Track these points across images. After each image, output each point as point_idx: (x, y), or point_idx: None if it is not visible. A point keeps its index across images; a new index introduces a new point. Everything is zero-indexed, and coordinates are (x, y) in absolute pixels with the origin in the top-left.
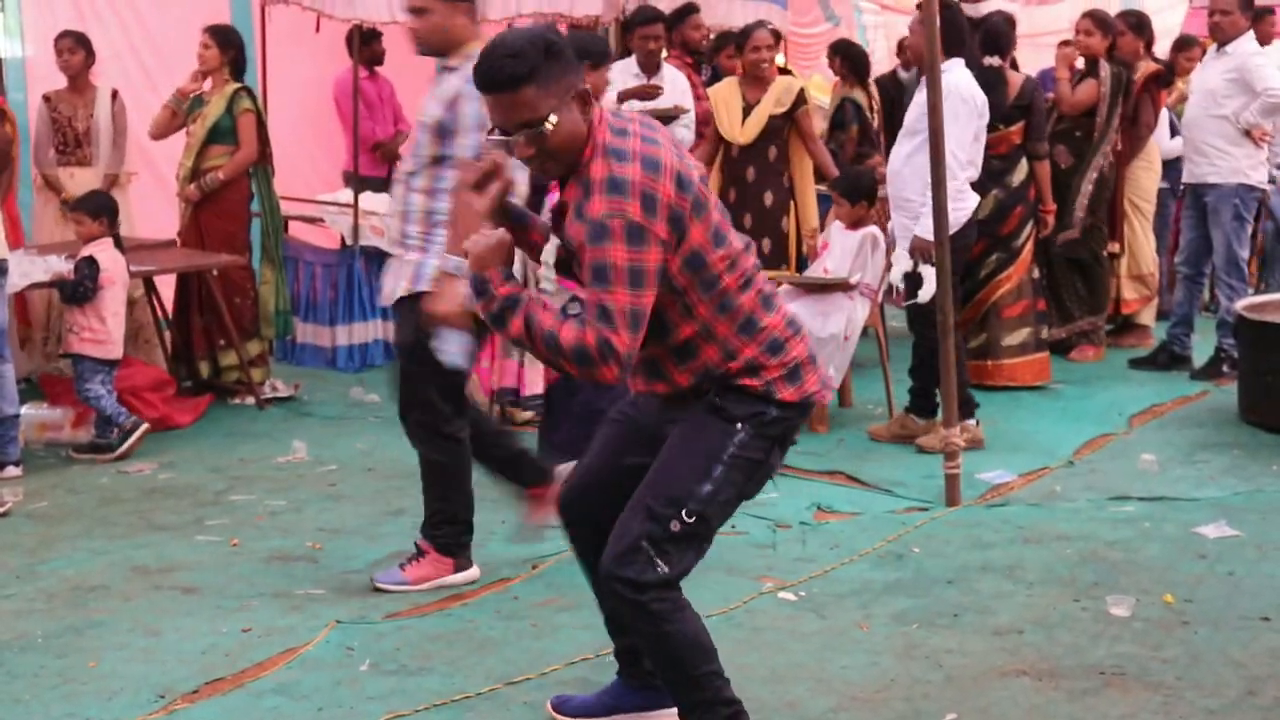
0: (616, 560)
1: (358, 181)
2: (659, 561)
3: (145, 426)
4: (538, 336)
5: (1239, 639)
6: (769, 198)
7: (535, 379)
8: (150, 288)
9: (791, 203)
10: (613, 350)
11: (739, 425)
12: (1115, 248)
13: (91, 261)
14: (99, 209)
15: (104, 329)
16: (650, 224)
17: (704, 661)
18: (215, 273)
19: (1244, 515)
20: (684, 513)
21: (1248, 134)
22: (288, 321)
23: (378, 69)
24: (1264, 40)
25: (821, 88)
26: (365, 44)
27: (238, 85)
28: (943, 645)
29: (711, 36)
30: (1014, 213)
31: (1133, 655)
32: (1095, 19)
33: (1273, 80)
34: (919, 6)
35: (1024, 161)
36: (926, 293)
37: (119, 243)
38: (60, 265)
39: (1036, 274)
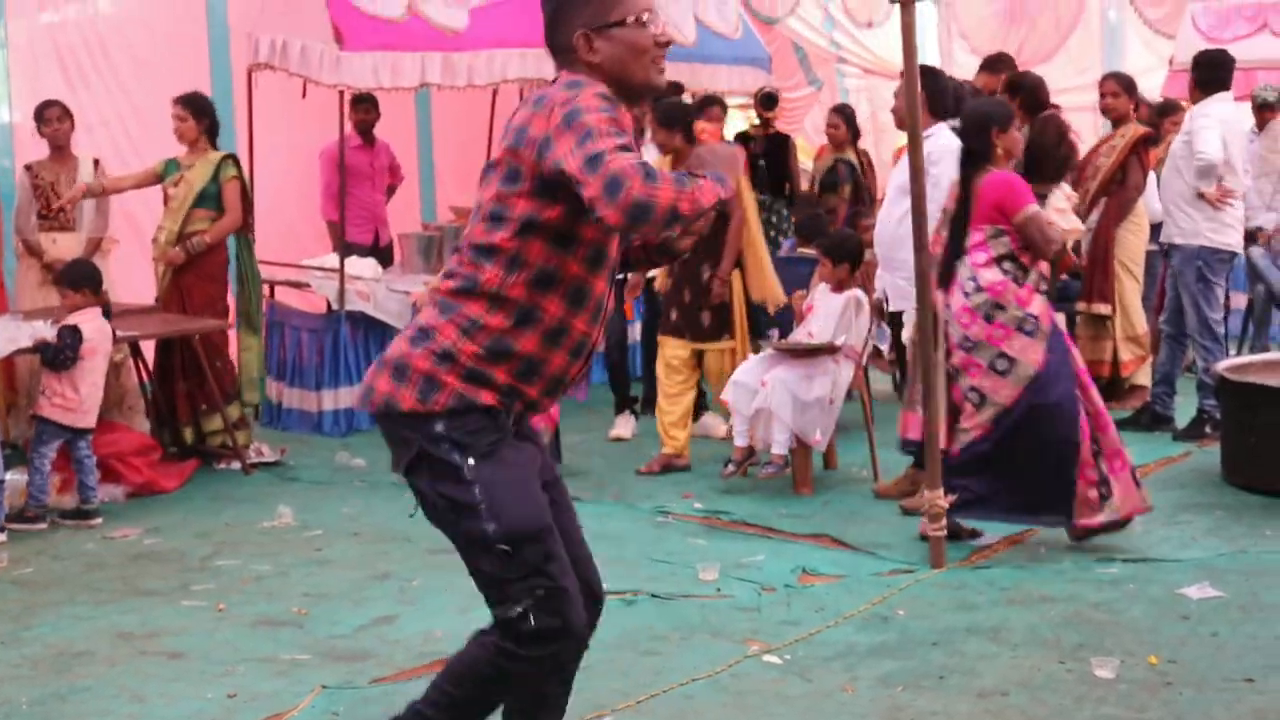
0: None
1: (344, 247)
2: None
3: (43, 526)
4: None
5: (1223, 700)
6: (705, 271)
7: None
8: (135, 352)
9: (737, 271)
10: None
11: None
12: (1106, 309)
13: (75, 330)
14: (78, 279)
15: (76, 397)
16: None
17: None
18: (197, 337)
19: (1227, 576)
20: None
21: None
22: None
23: (374, 134)
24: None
25: (805, 150)
26: (358, 110)
27: (224, 153)
28: (928, 708)
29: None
30: None
31: (1117, 717)
32: (1120, 81)
33: (1205, 143)
34: (901, 73)
35: None
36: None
37: (108, 310)
38: (45, 331)
39: None
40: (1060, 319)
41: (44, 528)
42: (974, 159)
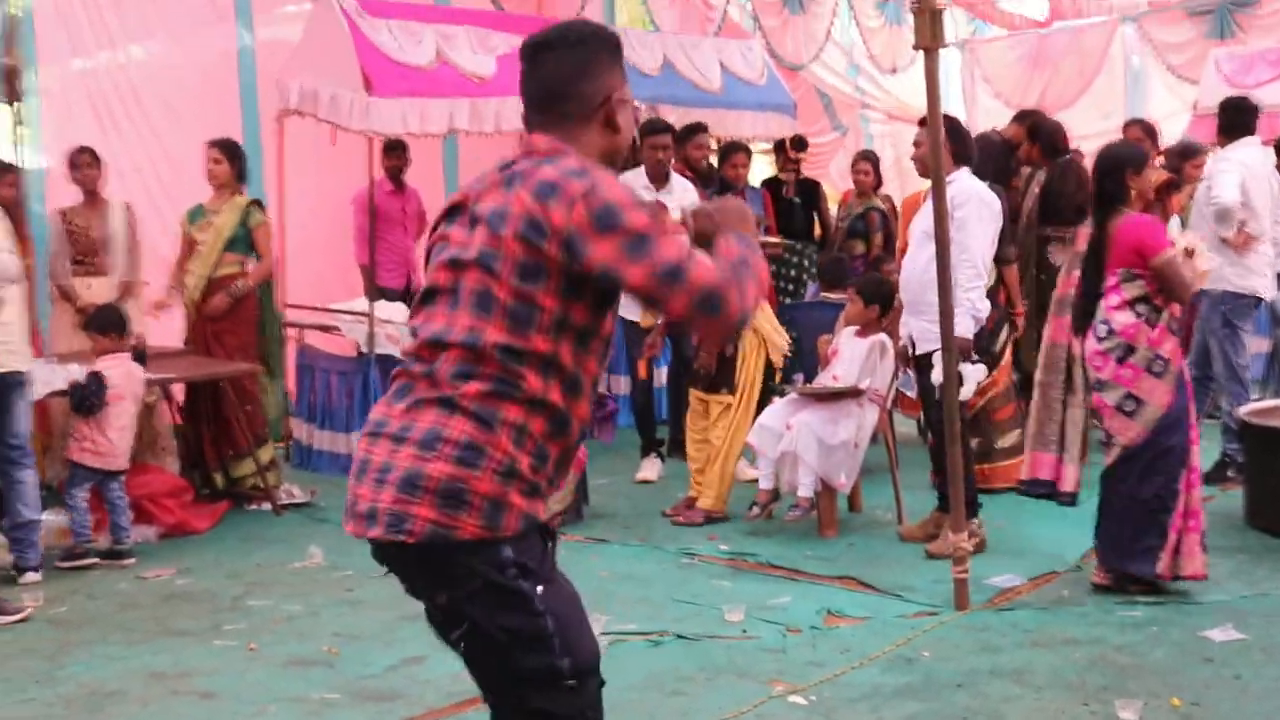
0: None
1: (376, 291)
2: None
3: (93, 562)
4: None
5: None
6: None
7: None
8: (167, 395)
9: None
10: None
11: None
12: None
13: (98, 376)
14: (105, 325)
15: (106, 441)
16: None
17: None
18: (225, 381)
19: (1250, 619)
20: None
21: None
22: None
23: (404, 180)
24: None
25: (831, 196)
26: (390, 156)
27: (250, 199)
28: None
29: (717, 147)
30: (989, 318)
31: None
32: (1144, 127)
33: (1221, 188)
34: (921, 122)
35: (992, 266)
36: (968, 391)
37: (142, 355)
38: (78, 373)
39: (1016, 376)
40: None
41: (94, 562)
42: (1108, 202)
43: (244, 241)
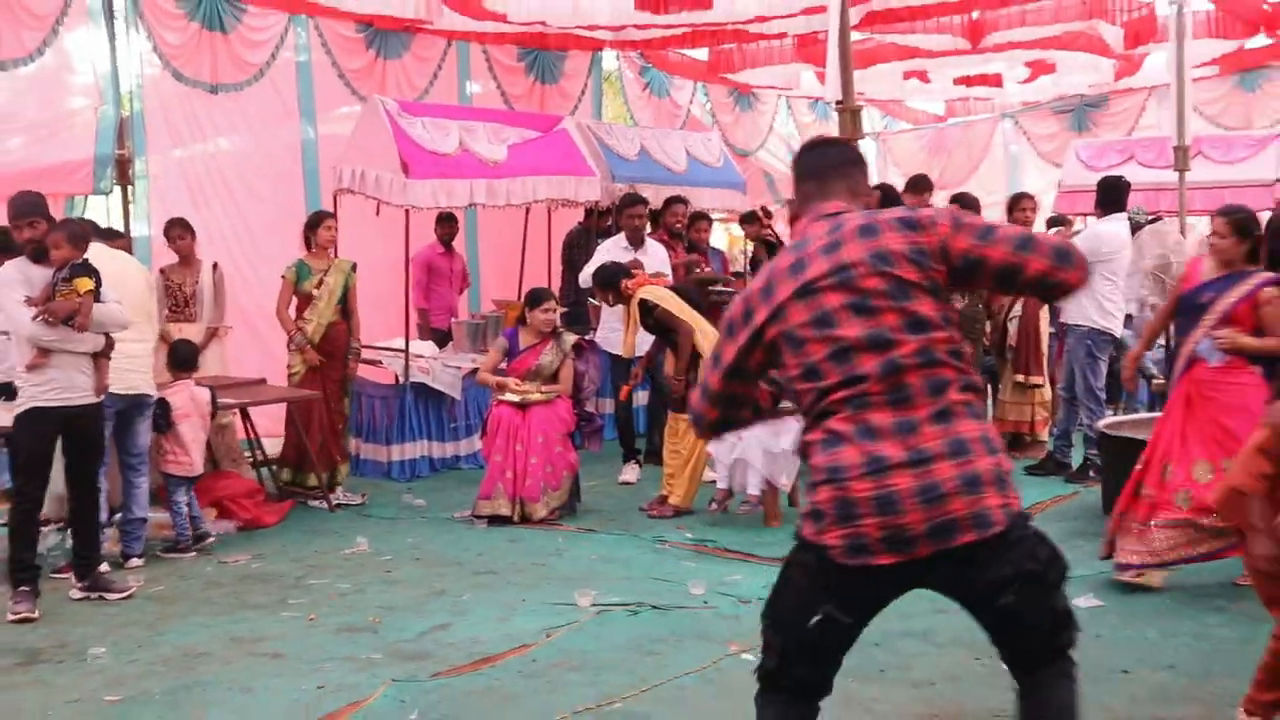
0: None
1: (431, 332)
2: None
3: (210, 538)
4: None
5: (1107, 687)
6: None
7: None
8: (245, 415)
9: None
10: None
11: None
12: (1040, 380)
13: (164, 403)
14: (179, 360)
15: (183, 452)
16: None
17: None
18: (332, 405)
19: (1108, 590)
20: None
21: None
22: None
23: (453, 245)
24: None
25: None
26: (442, 225)
27: (352, 261)
28: (872, 696)
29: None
30: None
31: None
32: (1032, 200)
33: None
34: None
35: None
36: None
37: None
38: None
39: None
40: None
41: (192, 557)
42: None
43: (343, 298)
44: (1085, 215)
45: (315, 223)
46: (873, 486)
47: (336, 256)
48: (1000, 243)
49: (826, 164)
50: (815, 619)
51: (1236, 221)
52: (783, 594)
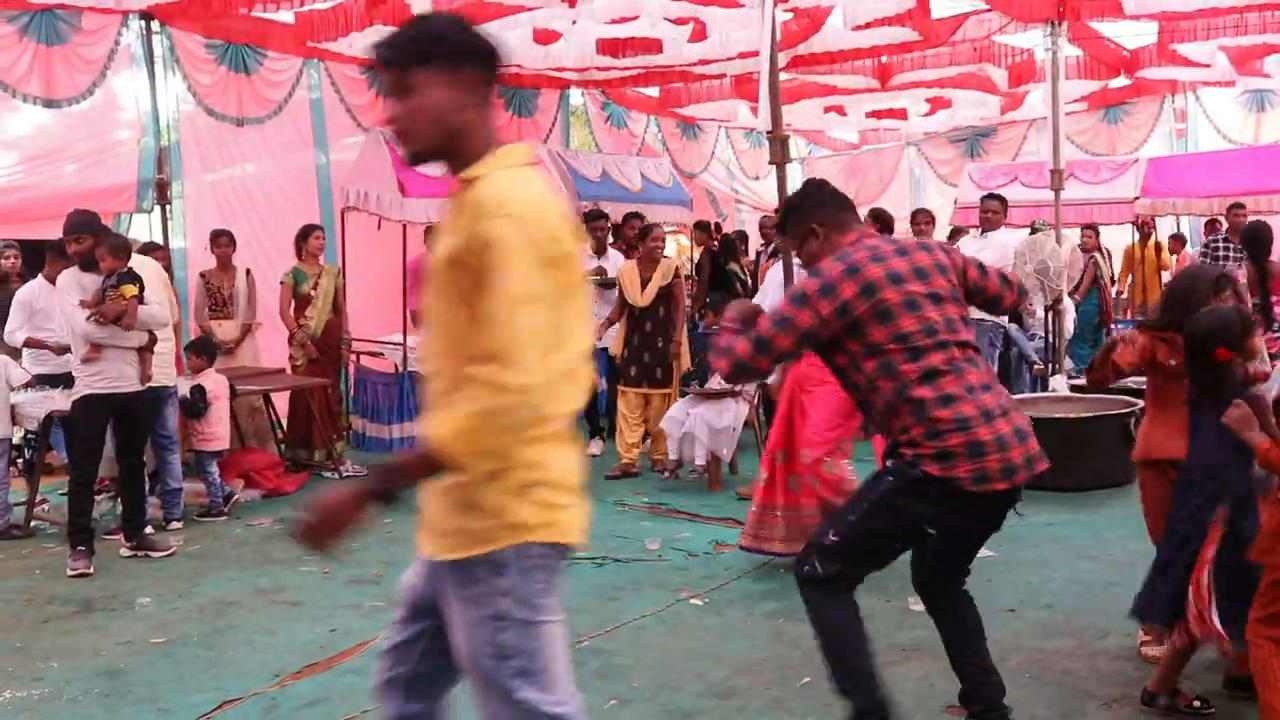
0: (797, 556)
1: (420, 327)
2: (814, 562)
3: (237, 495)
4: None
5: (995, 624)
6: (660, 341)
7: None
8: (267, 400)
9: (674, 344)
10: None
11: (889, 476)
12: None
13: (199, 389)
14: (200, 351)
15: (212, 431)
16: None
17: (841, 648)
18: (329, 390)
19: (998, 542)
20: (831, 532)
21: None
22: None
23: None
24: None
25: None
26: (430, 237)
27: (338, 266)
28: (799, 633)
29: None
30: None
31: (925, 637)
32: (926, 215)
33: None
34: (776, 211)
35: None
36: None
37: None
38: (184, 390)
39: None
40: None
41: (224, 520)
42: None
43: (333, 297)
44: (973, 227)
45: (305, 234)
46: (990, 431)
47: (332, 263)
48: (993, 275)
49: (842, 199)
50: (914, 533)
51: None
52: (877, 516)
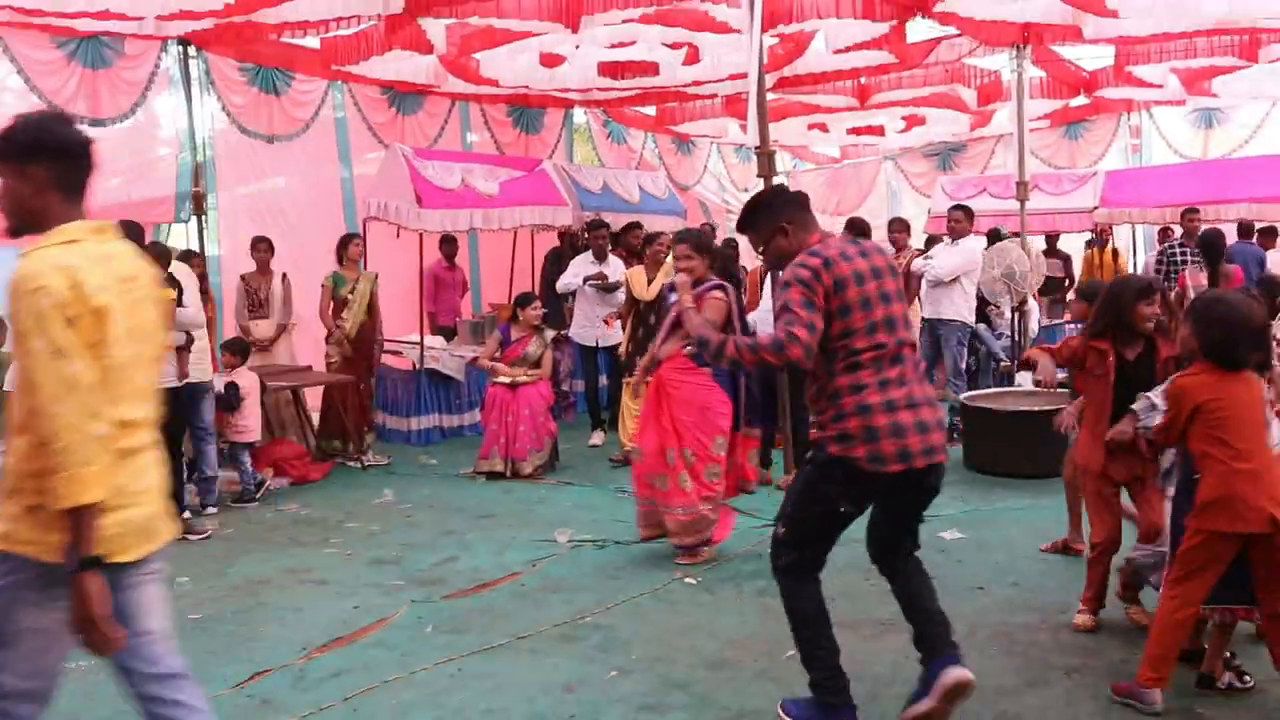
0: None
1: (437, 329)
2: (778, 555)
3: (268, 483)
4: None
5: (966, 601)
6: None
7: None
8: (296, 395)
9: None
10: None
11: (809, 465)
12: None
13: (233, 385)
14: (235, 350)
15: (245, 424)
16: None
17: (806, 630)
18: (361, 386)
19: (968, 525)
20: (780, 526)
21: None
22: None
23: (455, 261)
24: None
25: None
26: (446, 245)
27: (375, 273)
28: (781, 612)
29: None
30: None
31: (901, 614)
32: (902, 223)
33: (939, 267)
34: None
35: None
36: None
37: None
38: (219, 386)
39: None
40: None
41: (255, 506)
42: None
43: (370, 300)
44: (945, 235)
45: (345, 242)
46: (888, 419)
47: (365, 269)
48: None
49: (804, 202)
50: (835, 514)
51: (695, 242)
52: (806, 503)
